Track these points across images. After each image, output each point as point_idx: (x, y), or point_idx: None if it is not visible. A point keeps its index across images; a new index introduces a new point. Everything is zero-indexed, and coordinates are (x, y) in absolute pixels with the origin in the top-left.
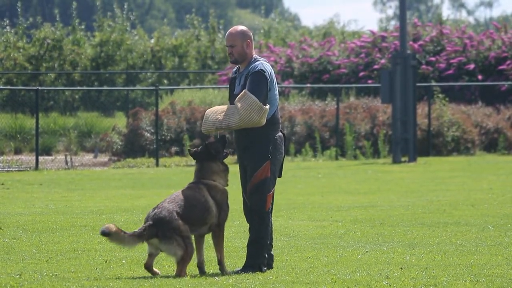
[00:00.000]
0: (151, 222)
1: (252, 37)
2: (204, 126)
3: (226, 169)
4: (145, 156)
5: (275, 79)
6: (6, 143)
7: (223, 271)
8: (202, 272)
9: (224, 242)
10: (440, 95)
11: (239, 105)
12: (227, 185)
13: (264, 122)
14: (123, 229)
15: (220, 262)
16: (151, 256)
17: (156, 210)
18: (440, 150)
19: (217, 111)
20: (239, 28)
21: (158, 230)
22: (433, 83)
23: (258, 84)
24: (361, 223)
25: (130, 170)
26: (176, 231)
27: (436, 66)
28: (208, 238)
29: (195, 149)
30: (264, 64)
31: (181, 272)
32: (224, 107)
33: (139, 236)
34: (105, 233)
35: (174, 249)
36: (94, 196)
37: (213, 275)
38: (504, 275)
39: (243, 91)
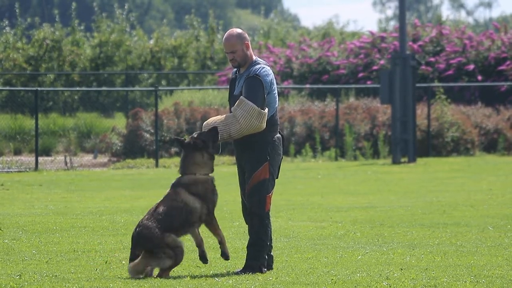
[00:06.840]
0: (135, 244)
1: (248, 37)
2: None
3: (211, 158)
4: (144, 157)
5: (274, 82)
6: (5, 144)
7: (224, 251)
8: (202, 251)
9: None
10: (443, 96)
11: (237, 113)
12: (212, 171)
13: (265, 126)
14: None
15: (221, 242)
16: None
17: (137, 229)
18: (440, 150)
19: (215, 122)
20: (234, 32)
21: (144, 250)
22: (436, 83)
23: (254, 89)
24: (361, 224)
25: (130, 170)
26: (161, 245)
27: (436, 67)
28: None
29: (183, 139)
30: (263, 68)
31: (162, 275)
32: (222, 117)
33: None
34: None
35: (163, 262)
36: (94, 197)
37: (213, 275)
38: (504, 276)
39: (240, 98)
